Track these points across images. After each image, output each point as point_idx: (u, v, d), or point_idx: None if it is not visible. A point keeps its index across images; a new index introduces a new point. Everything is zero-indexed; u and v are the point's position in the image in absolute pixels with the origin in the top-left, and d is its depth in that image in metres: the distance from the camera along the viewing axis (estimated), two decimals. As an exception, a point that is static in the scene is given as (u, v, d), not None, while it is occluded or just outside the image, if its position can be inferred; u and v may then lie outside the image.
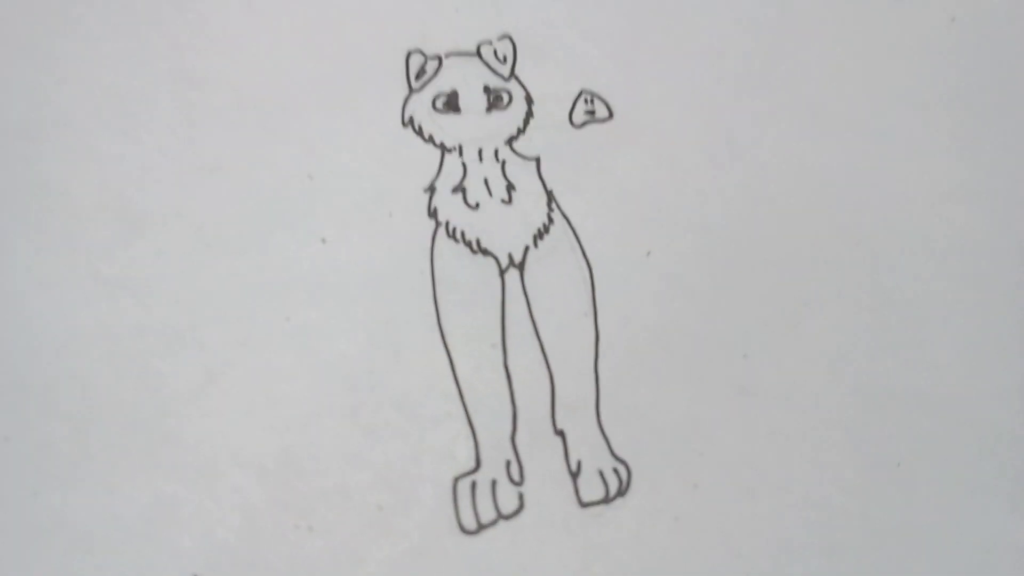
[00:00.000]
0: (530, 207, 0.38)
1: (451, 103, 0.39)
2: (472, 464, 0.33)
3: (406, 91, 0.39)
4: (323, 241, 0.36)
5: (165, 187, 0.37)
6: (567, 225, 0.38)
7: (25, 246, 0.35)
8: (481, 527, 0.33)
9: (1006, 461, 0.35)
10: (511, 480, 0.33)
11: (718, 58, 0.41)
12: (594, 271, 0.37)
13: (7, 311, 0.34)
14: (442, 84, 0.39)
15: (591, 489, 0.33)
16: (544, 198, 0.38)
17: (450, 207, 0.38)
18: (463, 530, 0.33)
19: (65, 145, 0.37)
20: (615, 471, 0.34)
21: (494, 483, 0.33)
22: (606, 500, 0.33)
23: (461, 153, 0.39)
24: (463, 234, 0.37)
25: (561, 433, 0.34)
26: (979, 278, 0.38)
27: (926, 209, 0.39)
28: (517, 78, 0.40)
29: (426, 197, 0.38)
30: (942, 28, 0.43)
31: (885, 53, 0.42)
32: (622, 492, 0.33)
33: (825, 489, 0.34)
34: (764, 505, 0.33)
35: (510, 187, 0.38)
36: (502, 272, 0.36)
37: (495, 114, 0.39)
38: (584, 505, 0.33)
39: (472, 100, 0.39)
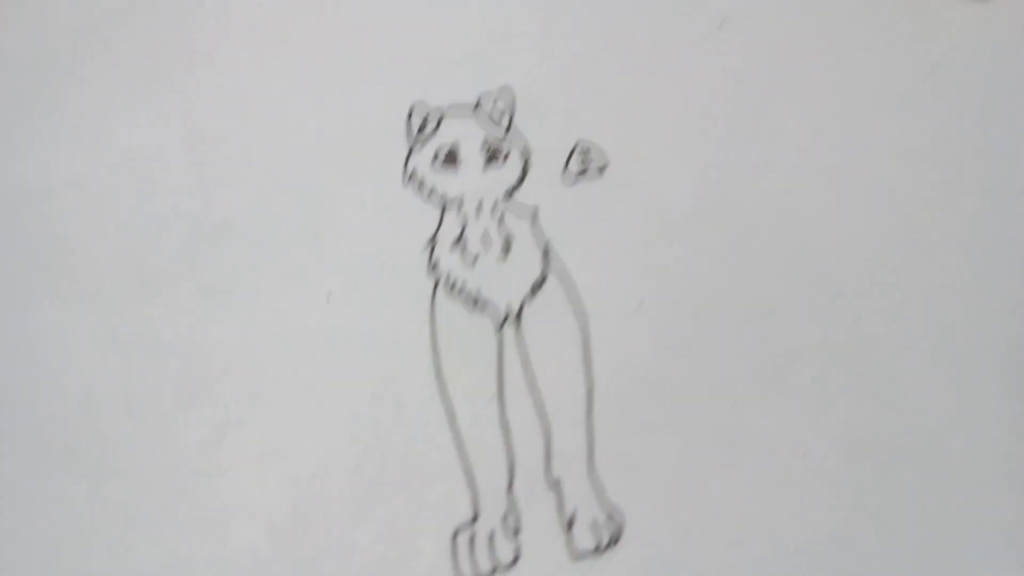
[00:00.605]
0: (526, 260, 0.39)
1: (451, 158, 0.40)
2: (471, 516, 0.34)
3: (407, 148, 0.40)
4: (329, 296, 0.37)
5: (178, 246, 0.38)
6: (562, 278, 0.39)
7: (45, 306, 0.36)
8: None
9: (986, 508, 0.36)
10: (508, 531, 0.34)
11: (707, 114, 0.42)
12: (588, 323, 0.38)
13: (28, 371, 0.35)
14: (442, 139, 0.40)
15: (585, 538, 0.34)
16: (540, 251, 0.39)
17: (450, 261, 0.39)
18: (463, 580, 0.34)
19: (82, 206, 0.39)
20: (608, 520, 0.34)
21: (492, 534, 0.34)
22: (600, 549, 0.34)
23: (460, 207, 0.39)
24: (462, 287, 0.38)
25: (556, 484, 0.35)
26: (959, 327, 0.39)
27: (907, 260, 0.40)
28: (515, 131, 0.41)
29: (426, 252, 0.39)
30: (920, 80, 0.44)
31: (865, 106, 0.43)
32: (615, 541, 0.34)
33: (809, 536, 0.35)
34: (752, 552, 0.34)
35: (508, 240, 0.39)
36: (499, 326, 0.37)
37: (493, 168, 0.40)
38: (578, 555, 0.34)
39: (471, 155, 0.40)
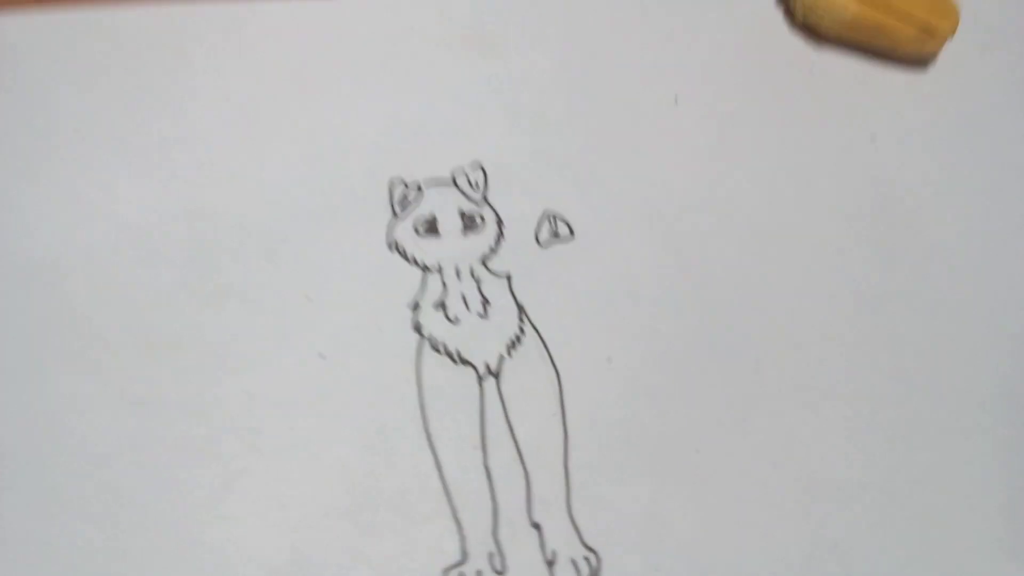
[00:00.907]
0: (503, 320, 0.41)
1: (430, 227, 0.43)
2: (459, 557, 0.36)
3: (390, 215, 0.43)
4: (322, 356, 0.40)
5: (181, 312, 0.40)
6: (537, 335, 0.41)
7: (58, 372, 0.38)
8: None
9: (937, 543, 0.39)
10: (494, 570, 0.36)
11: (666, 181, 0.45)
12: (562, 376, 0.40)
13: (45, 432, 0.37)
14: (422, 210, 0.43)
15: (566, 576, 0.36)
16: (516, 311, 0.42)
17: (433, 322, 0.41)
18: (453, 617, 0.35)
19: (91, 278, 0.41)
20: (586, 559, 0.36)
21: (479, 573, 0.36)
22: (579, 586, 0.36)
23: (441, 272, 0.42)
24: (445, 346, 0.41)
25: (537, 526, 0.37)
26: (907, 374, 0.42)
27: (855, 311, 0.43)
28: (488, 202, 0.44)
29: (411, 313, 0.41)
30: (862, 146, 0.47)
31: (812, 171, 0.46)
32: (593, 578, 0.36)
33: (773, 569, 0.37)
34: (719, 585, 0.36)
35: (485, 302, 0.42)
36: (480, 380, 0.40)
37: (470, 236, 0.43)
38: (559, 592, 0.36)
39: (449, 224, 0.43)
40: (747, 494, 0.39)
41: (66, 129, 0.44)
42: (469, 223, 0.43)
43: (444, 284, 0.41)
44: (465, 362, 0.40)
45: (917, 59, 0.50)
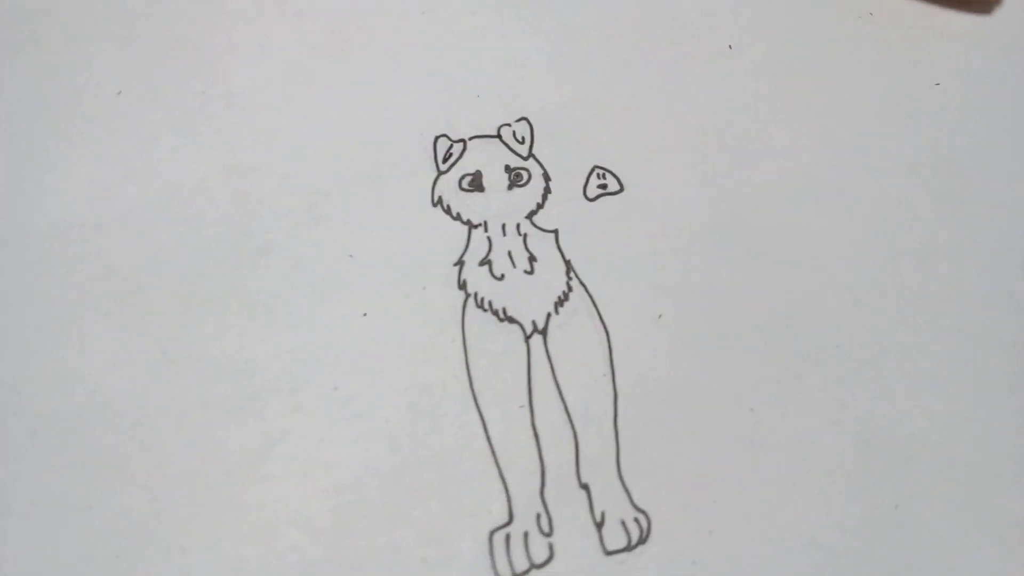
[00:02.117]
0: (550, 277, 0.40)
1: (476, 183, 0.41)
2: (506, 518, 0.35)
3: (434, 174, 0.42)
4: (365, 315, 0.39)
5: (222, 271, 0.39)
6: (585, 292, 0.40)
7: (99, 331, 0.38)
8: (516, 575, 0.34)
9: (1002, 503, 0.36)
10: (541, 531, 0.35)
11: (718, 133, 0.43)
12: (611, 334, 0.39)
13: (86, 392, 0.36)
14: (467, 165, 0.42)
15: (615, 538, 0.35)
16: (563, 268, 0.40)
17: (478, 279, 0.40)
18: (500, 578, 0.34)
19: (132, 237, 0.40)
20: (636, 520, 0.35)
21: (526, 535, 0.35)
22: (629, 548, 0.35)
23: (486, 229, 0.41)
24: (490, 303, 0.39)
25: (586, 486, 0.35)
26: (969, 330, 0.40)
27: (915, 267, 0.41)
28: (535, 157, 0.42)
29: (456, 271, 0.40)
30: (923, 95, 0.45)
31: (871, 121, 0.44)
32: (643, 540, 0.35)
33: (830, 532, 0.35)
34: (774, 548, 0.35)
35: (532, 259, 0.40)
36: (527, 338, 0.38)
37: (516, 191, 0.41)
38: (609, 553, 0.35)
39: (495, 179, 0.42)
40: (803, 454, 0.37)
41: (104, 86, 0.43)
42: (515, 178, 0.41)
43: (489, 240, 0.40)
44: (511, 320, 0.38)
45: (982, 3, 0.47)
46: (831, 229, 0.42)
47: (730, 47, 0.46)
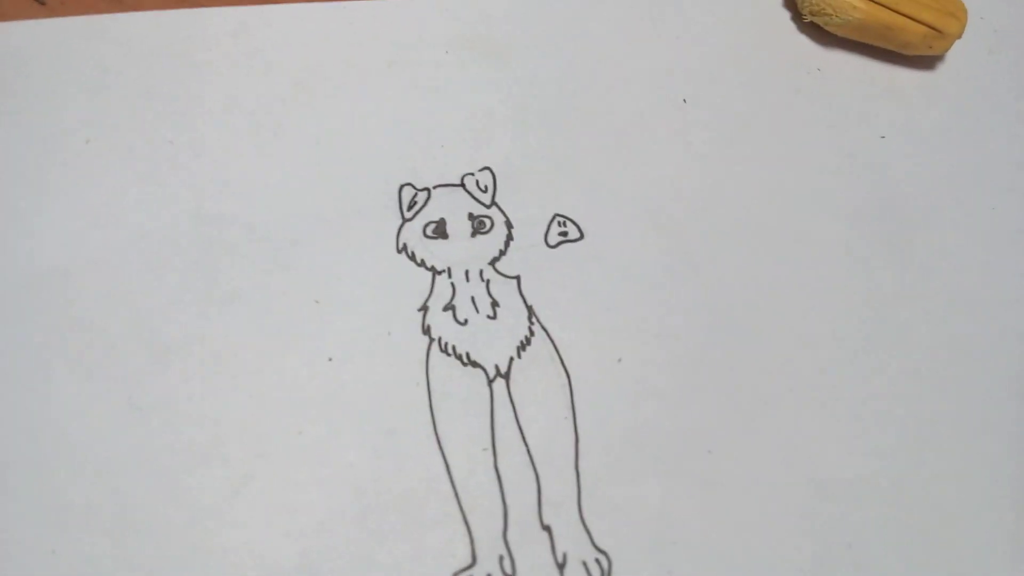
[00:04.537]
0: (513, 321, 0.40)
1: (440, 230, 0.42)
2: (469, 560, 0.35)
3: (399, 221, 0.42)
4: (330, 360, 0.39)
5: (188, 317, 0.39)
6: (547, 337, 0.40)
7: (65, 378, 0.37)
8: None
9: (948, 542, 0.37)
10: (504, 573, 0.35)
11: (673, 183, 0.44)
12: (572, 378, 0.39)
13: (51, 439, 0.36)
14: (431, 213, 0.42)
15: (577, 579, 0.35)
16: (525, 313, 0.41)
17: (442, 324, 0.40)
18: (463, 621, 0.34)
19: (98, 283, 0.40)
20: (597, 561, 0.35)
21: (489, 577, 0.34)
22: (590, 588, 0.35)
23: (450, 275, 0.41)
24: (454, 348, 0.40)
25: (548, 528, 0.36)
26: (916, 374, 0.41)
27: (866, 312, 0.42)
28: (498, 205, 0.43)
29: (420, 316, 0.40)
30: (872, 145, 0.46)
31: (822, 171, 0.45)
32: (605, 580, 0.35)
33: (785, 571, 0.36)
34: (731, 587, 0.35)
35: (495, 304, 0.41)
36: (490, 382, 0.39)
37: (479, 238, 0.42)
38: (571, 594, 0.35)
39: (458, 227, 0.42)
40: (759, 494, 0.38)
41: (73, 135, 0.43)
42: (478, 226, 0.42)
43: (453, 286, 0.41)
44: (475, 364, 0.39)
45: (926, 59, 0.49)
46: (782, 276, 0.43)
47: (685, 101, 0.47)
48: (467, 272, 0.41)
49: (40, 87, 0.44)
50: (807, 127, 0.47)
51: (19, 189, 0.42)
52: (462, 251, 0.42)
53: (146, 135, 0.44)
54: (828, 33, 0.49)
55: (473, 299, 0.41)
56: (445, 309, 0.40)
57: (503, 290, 0.41)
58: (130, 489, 0.36)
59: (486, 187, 0.43)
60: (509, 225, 0.43)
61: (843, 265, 0.43)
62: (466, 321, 0.40)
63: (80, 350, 0.39)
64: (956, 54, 0.50)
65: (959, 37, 0.48)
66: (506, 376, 0.39)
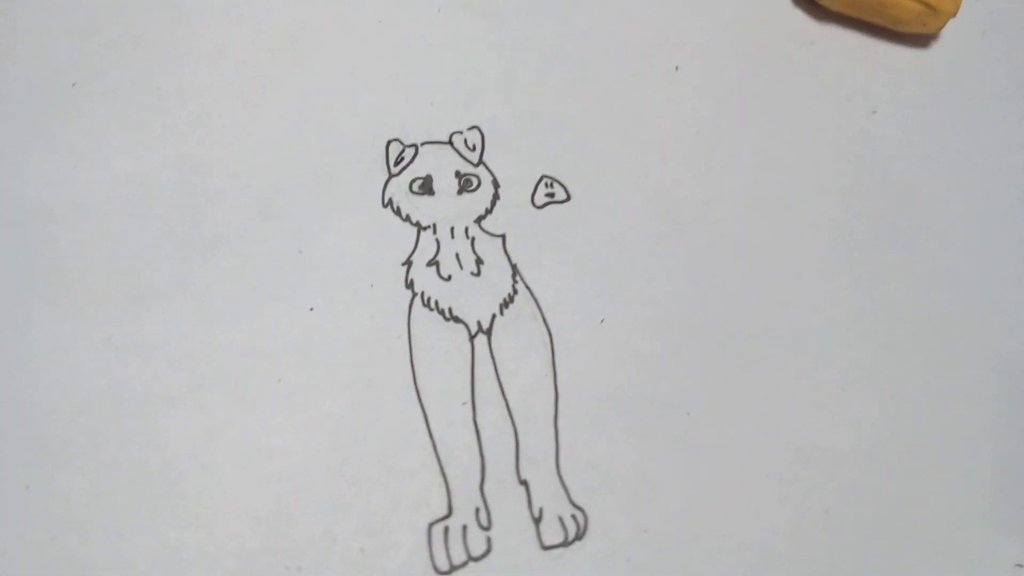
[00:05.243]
0: (497, 279, 0.40)
1: (426, 186, 0.42)
2: (445, 511, 0.35)
3: (386, 176, 0.42)
4: (311, 310, 0.39)
5: (170, 262, 0.39)
6: (530, 295, 0.40)
7: (45, 318, 0.37)
8: (453, 568, 0.35)
9: (924, 510, 0.37)
10: (480, 525, 0.35)
11: (662, 148, 0.44)
12: (554, 337, 0.39)
13: (29, 375, 0.36)
14: (418, 169, 0.42)
15: (552, 533, 0.35)
16: (509, 271, 0.40)
17: (425, 279, 0.40)
18: (437, 571, 0.35)
19: (80, 225, 0.40)
20: (573, 517, 0.35)
21: (464, 528, 0.35)
22: (565, 543, 0.35)
23: (435, 231, 0.41)
24: (437, 303, 0.40)
25: (525, 483, 0.36)
26: (898, 345, 0.41)
27: (850, 283, 0.42)
28: (485, 164, 0.43)
29: (403, 270, 0.40)
30: (864, 120, 0.46)
31: (812, 143, 0.45)
32: (580, 536, 0.35)
33: (761, 533, 0.36)
34: (706, 548, 0.35)
35: (479, 261, 0.40)
36: (472, 337, 0.39)
37: (465, 196, 0.42)
38: (546, 548, 0.35)
39: (445, 184, 0.42)
40: (736, 458, 0.38)
41: (60, 77, 0.42)
42: (465, 183, 0.42)
43: (438, 242, 0.40)
44: (457, 319, 0.39)
45: (919, 36, 0.49)
46: (769, 245, 0.42)
47: (677, 68, 0.46)
48: (452, 229, 0.41)
49: (28, 29, 0.44)
50: (799, 99, 0.47)
51: (5, 130, 0.42)
52: (448, 208, 0.42)
53: (133, 80, 0.43)
54: (822, 7, 0.49)
55: (457, 255, 0.40)
56: (429, 264, 0.40)
57: (488, 248, 0.41)
58: (105, 429, 0.36)
59: (474, 146, 0.43)
60: (496, 184, 0.42)
61: (831, 236, 0.43)
62: (450, 277, 0.40)
63: (60, 289, 0.38)
64: (950, 33, 0.49)
65: (953, 16, 0.48)
66: (488, 332, 0.39)
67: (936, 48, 0.49)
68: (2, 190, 0.40)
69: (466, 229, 0.41)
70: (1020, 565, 0.37)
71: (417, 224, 0.41)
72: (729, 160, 0.44)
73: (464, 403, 0.37)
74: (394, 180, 0.42)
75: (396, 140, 0.43)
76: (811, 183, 0.44)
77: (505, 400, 0.38)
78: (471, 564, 0.35)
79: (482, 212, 0.42)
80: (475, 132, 0.43)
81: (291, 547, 0.34)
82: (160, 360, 0.37)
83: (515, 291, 0.40)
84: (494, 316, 0.39)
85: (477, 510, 0.35)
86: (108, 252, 0.39)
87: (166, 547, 0.33)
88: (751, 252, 0.42)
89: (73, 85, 0.42)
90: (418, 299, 0.39)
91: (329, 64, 0.45)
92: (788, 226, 0.43)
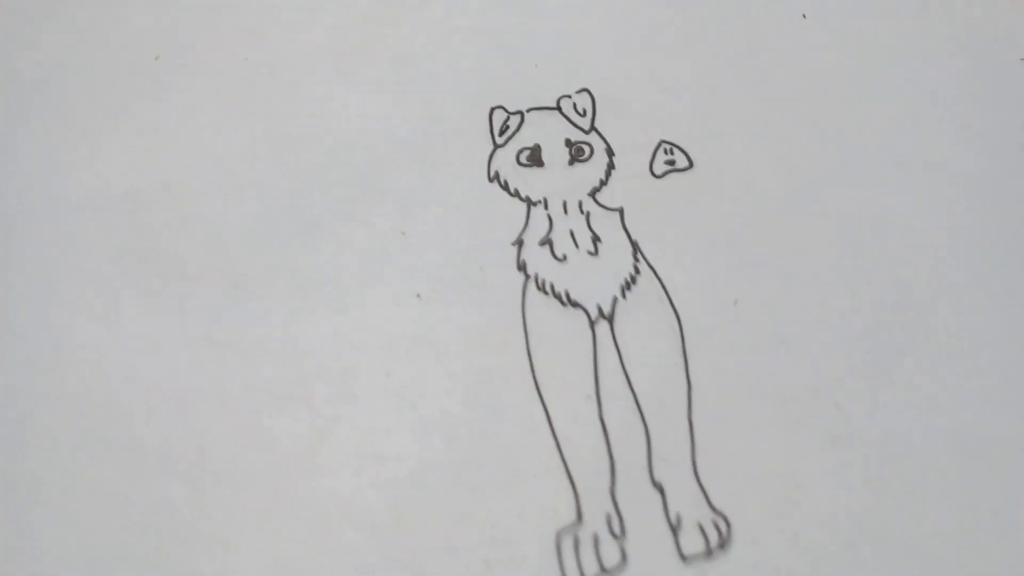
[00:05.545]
0: (616, 258, 0.37)
1: (534, 157, 0.39)
2: (574, 518, 0.32)
3: (491, 147, 0.39)
4: (418, 296, 0.36)
5: (268, 247, 0.37)
6: (654, 275, 0.37)
7: (137, 311, 0.35)
8: None
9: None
10: (612, 534, 0.32)
11: (793, 106, 0.40)
12: (683, 321, 0.36)
13: (123, 376, 0.34)
14: (525, 139, 0.39)
15: (692, 542, 0.32)
16: (630, 249, 0.37)
17: (538, 260, 0.37)
18: (568, 585, 0.32)
19: (172, 210, 0.38)
20: (715, 523, 0.32)
21: (596, 537, 0.32)
22: (707, 553, 0.32)
23: (547, 206, 0.38)
24: (552, 286, 0.37)
25: (659, 486, 0.33)
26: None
27: (1013, 255, 0.38)
28: (597, 131, 0.40)
29: (515, 251, 0.37)
30: (1014, 67, 0.41)
31: (961, 95, 0.41)
32: (723, 545, 0.32)
33: (924, 539, 0.32)
34: (863, 556, 0.32)
35: (595, 239, 0.37)
36: (592, 324, 0.36)
37: (577, 167, 0.39)
38: (686, 559, 0.32)
39: (555, 154, 0.39)
40: (894, 453, 0.34)
41: (141, 50, 0.41)
42: (576, 153, 0.39)
43: (550, 219, 0.37)
44: (575, 304, 0.36)
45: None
46: (920, 210, 0.39)
47: (804, 16, 0.43)
48: (565, 203, 0.38)
49: (110, 3, 0.42)
50: (939, 47, 0.43)
51: (85, 108, 0.40)
52: (559, 180, 0.39)
53: (219, 51, 0.41)
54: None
55: (572, 233, 0.37)
56: (542, 244, 0.37)
57: (605, 224, 0.38)
58: (207, 432, 0.34)
59: (585, 111, 0.40)
60: (610, 152, 0.39)
61: (986, 200, 0.39)
62: (565, 257, 0.37)
63: (152, 281, 0.36)
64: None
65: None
66: (610, 318, 0.36)
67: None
68: (87, 175, 0.38)
69: (580, 203, 0.38)
70: None
71: (527, 199, 0.38)
72: (869, 117, 0.41)
73: (588, 397, 0.34)
74: (500, 151, 0.39)
75: (500, 107, 0.40)
76: (960, 141, 0.41)
77: (633, 393, 0.35)
78: (606, 576, 0.31)
79: (596, 184, 0.39)
80: (585, 95, 0.40)
81: (411, 558, 0.32)
82: (262, 355, 0.35)
83: (637, 271, 0.37)
84: (615, 299, 0.36)
85: (608, 517, 0.33)
86: (202, 239, 0.37)
87: (277, 559, 0.32)
88: (900, 220, 0.38)
89: (156, 58, 0.40)
90: (532, 282, 0.36)
91: (426, 27, 0.42)
92: (941, 190, 0.39)
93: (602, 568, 0.32)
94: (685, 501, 0.33)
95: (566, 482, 0.33)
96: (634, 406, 0.35)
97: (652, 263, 0.37)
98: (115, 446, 0.33)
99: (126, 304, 0.36)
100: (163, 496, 0.33)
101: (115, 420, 0.34)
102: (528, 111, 0.40)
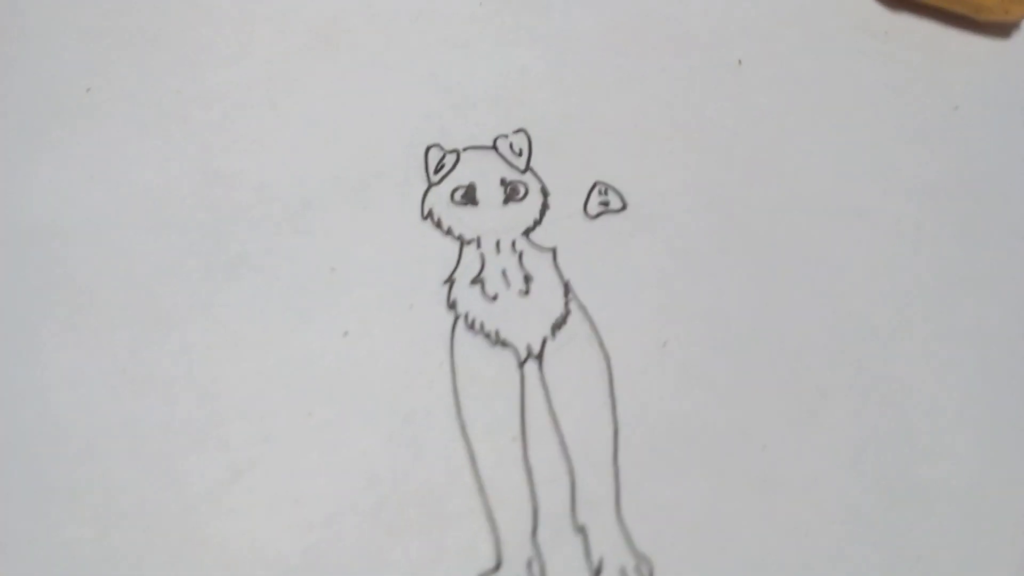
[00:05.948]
0: (547, 298, 0.37)
1: (469, 196, 0.38)
2: (494, 562, 0.32)
3: (425, 185, 0.39)
4: (345, 335, 0.35)
5: (190, 283, 0.36)
6: (584, 316, 0.37)
7: (52, 344, 0.34)
8: None
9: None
10: (533, 578, 0.31)
11: (727, 150, 0.41)
12: (612, 362, 0.36)
13: (34, 411, 0.33)
14: (460, 177, 0.39)
15: (614, 586, 0.31)
16: (561, 289, 0.37)
17: (469, 299, 0.37)
18: (486, 630, 0.31)
19: (93, 243, 0.37)
20: (637, 568, 0.32)
21: (516, 581, 0.31)
22: (629, 598, 0.31)
23: (480, 245, 0.38)
24: (482, 325, 0.36)
25: (582, 529, 0.32)
26: (991, 366, 0.37)
27: (937, 295, 0.38)
28: (533, 170, 0.39)
29: (445, 289, 0.37)
30: (945, 115, 0.42)
31: (886, 143, 0.41)
32: (645, 590, 0.31)
33: (848, 583, 0.32)
34: (787, 600, 0.31)
35: (528, 278, 0.37)
36: (521, 364, 0.35)
37: (512, 206, 0.38)
38: (608, 604, 0.31)
39: (489, 193, 0.39)
40: (818, 497, 0.34)
41: (72, 83, 0.40)
42: (511, 192, 0.38)
43: (483, 257, 0.37)
44: (504, 343, 0.35)
45: (1001, 25, 0.45)
46: (847, 254, 0.39)
47: (740, 62, 0.43)
48: (498, 242, 0.38)
49: (37, 31, 0.41)
50: (873, 95, 0.43)
51: (13, 139, 0.39)
52: (493, 219, 0.38)
53: (151, 84, 0.41)
54: (897, -5, 0.45)
55: (504, 272, 0.37)
56: (473, 282, 0.37)
57: (537, 263, 0.37)
58: (119, 471, 0.33)
59: (521, 150, 0.40)
60: (545, 192, 0.39)
61: (912, 244, 0.39)
62: (496, 296, 0.36)
63: (71, 315, 0.35)
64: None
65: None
66: (539, 358, 0.35)
67: (1019, 39, 0.45)
68: (9, 205, 0.37)
69: (513, 242, 0.38)
70: None
71: (460, 238, 0.38)
72: (800, 161, 0.41)
73: (513, 438, 0.34)
74: (434, 189, 0.39)
75: (436, 145, 0.40)
76: (890, 186, 0.41)
77: (559, 434, 0.34)
78: (525, 623, 0.31)
79: (530, 223, 0.38)
80: (521, 135, 0.40)
81: (324, 604, 0.30)
82: (179, 393, 0.34)
83: (568, 311, 0.36)
84: (545, 339, 0.36)
85: (530, 561, 0.32)
86: (123, 273, 0.36)
87: (186, 605, 0.30)
88: (827, 263, 0.39)
89: (87, 91, 0.40)
90: (461, 321, 0.36)
91: (362, 64, 0.42)
92: (867, 233, 0.39)
93: (522, 614, 0.31)
94: (608, 544, 0.33)
95: (487, 525, 0.33)
96: (560, 447, 0.34)
97: (583, 303, 0.37)
98: (22, 484, 0.32)
99: (42, 337, 0.35)
100: (70, 539, 0.31)
101: (23, 458, 0.33)
102: (464, 150, 0.40)
